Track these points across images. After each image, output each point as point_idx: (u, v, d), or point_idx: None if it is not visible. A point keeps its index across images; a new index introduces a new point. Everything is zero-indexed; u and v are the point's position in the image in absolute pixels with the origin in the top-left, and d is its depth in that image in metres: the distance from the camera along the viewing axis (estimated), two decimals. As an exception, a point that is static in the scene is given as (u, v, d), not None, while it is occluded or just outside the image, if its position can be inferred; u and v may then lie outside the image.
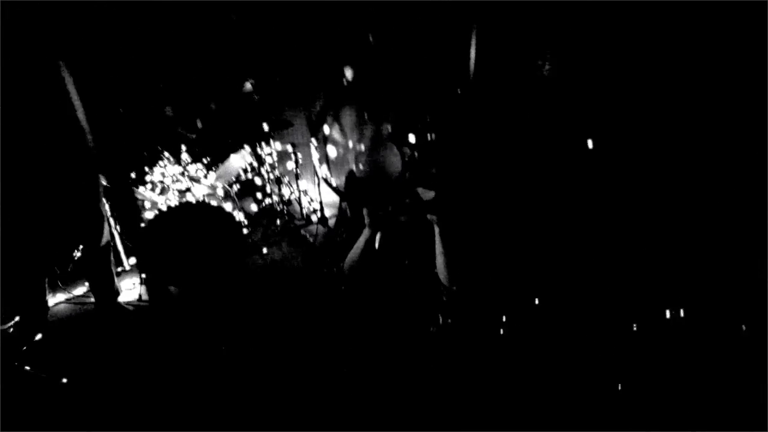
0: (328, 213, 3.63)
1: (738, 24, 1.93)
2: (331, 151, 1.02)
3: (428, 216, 0.99)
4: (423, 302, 1.14)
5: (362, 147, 0.96)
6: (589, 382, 1.99)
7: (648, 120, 2.25)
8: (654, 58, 2.17)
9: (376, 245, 1.07)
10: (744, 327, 1.99)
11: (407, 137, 0.97)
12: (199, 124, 2.97)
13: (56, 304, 2.88)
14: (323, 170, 1.09)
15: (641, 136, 2.27)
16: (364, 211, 1.06)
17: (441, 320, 1.07)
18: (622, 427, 1.80)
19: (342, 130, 0.92)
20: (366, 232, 1.11)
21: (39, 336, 2.52)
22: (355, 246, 1.14)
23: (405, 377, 1.23)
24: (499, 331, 1.87)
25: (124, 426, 2.06)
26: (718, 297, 2.12)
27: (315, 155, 0.87)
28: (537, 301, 2.23)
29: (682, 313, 2.14)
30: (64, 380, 2.31)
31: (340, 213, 1.31)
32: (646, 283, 2.24)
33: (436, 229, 0.99)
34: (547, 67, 2.51)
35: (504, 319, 1.90)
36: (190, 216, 2.85)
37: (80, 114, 2.16)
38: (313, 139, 1.03)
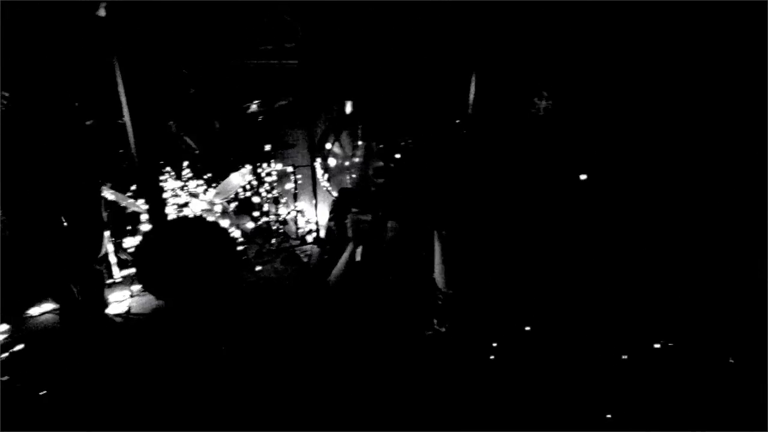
0: (324, 234, 3.67)
1: (738, 24, 2.00)
2: (332, 163, 1.07)
3: (432, 228, 1.03)
4: (414, 308, 1.17)
5: (356, 161, 1.02)
6: (584, 385, 1.98)
7: (639, 143, 2.35)
8: (648, 64, 2.26)
9: (357, 258, 1.11)
10: (731, 359, 2.02)
11: (395, 154, 1.03)
12: (203, 141, 3.02)
13: (42, 314, 2.82)
14: (324, 182, 1.15)
15: (634, 160, 2.37)
16: (348, 226, 1.09)
17: (436, 323, 1.10)
18: (622, 426, 1.80)
19: (341, 147, 0.97)
20: (350, 247, 1.15)
21: (20, 346, 2.46)
22: (340, 260, 1.19)
23: (398, 381, 1.24)
24: (492, 336, 1.88)
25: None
26: (716, 305, 2.15)
27: (319, 172, 0.91)
28: (531, 308, 2.25)
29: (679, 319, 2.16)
30: (43, 392, 2.24)
31: (328, 231, 1.35)
32: (643, 291, 2.28)
33: (437, 239, 1.03)
34: (543, 104, 2.65)
35: (498, 323, 1.92)
36: (186, 230, 2.86)
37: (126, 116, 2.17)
38: (318, 161, 1.08)
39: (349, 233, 1.11)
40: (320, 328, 1.39)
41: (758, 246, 2.14)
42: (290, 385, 2.07)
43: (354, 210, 1.09)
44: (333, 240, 1.33)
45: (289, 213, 3.66)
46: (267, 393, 2.10)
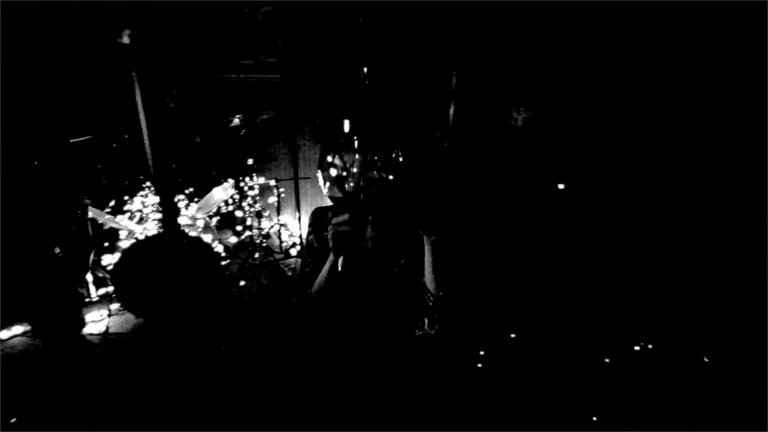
0: (304, 247, 3.65)
1: (738, 24, 2.02)
2: (333, 173, 1.07)
3: (422, 233, 1.05)
4: (404, 311, 1.18)
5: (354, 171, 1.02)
6: (569, 387, 2.01)
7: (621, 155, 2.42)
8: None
9: (339, 268, 1.10)
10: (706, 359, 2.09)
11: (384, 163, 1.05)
12: (184, 155, 2.99)
13: (11, 337, 2.69)
14: (326, 191, 1.14)
15: (610, 168, 2.45)
16: (329, 236, 1.09)
17: (427, 324, 1.10)
18: (622, 426, 1.81)
19: (341, 160, 0.98)
20: (331, 258, 1.14)
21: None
22: (321, 272, 1.18)
23: (389, 381, 1.25)
24: (481, 335, 1.91)
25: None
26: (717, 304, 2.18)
27: (321, 183, 0.92)
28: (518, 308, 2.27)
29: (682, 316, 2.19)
30: (14, 420, 2.13)
31: (308, 245, 1.35)
32: (625, 295, 2.32)
33: (427, 244, 1.05)
34: (521, 116, 2.75)
35: (486, 323, 1.94)
36: (167, 246, 2.80)
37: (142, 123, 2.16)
38: (319, 173, 1.09)
39: (330, 245, 1.09)
40: (306, 337, 1.39)
41: (734, 247, 2.23)
42: (279, 394, 2.06)
43: (334, 221, 1.08)
44: (313, 253, 1.32)
45: (272, 227, 3.63)
46: (255, 405, 2.07)
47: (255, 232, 3.45)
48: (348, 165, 1.03)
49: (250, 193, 3.34)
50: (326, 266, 1.14)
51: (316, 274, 1.19)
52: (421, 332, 1.13)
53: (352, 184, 1.03)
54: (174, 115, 3.04)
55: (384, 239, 1.17)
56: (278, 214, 3.57)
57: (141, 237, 2.78)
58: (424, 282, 1.09)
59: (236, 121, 3.10)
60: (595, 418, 1.97)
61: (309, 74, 3.57)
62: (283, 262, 3.51)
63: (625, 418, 1.96)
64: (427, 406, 1.22)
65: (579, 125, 2.47)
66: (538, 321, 2.34)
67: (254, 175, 3.38)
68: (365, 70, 2.62)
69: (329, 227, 1.08)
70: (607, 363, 2.21)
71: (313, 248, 1.27)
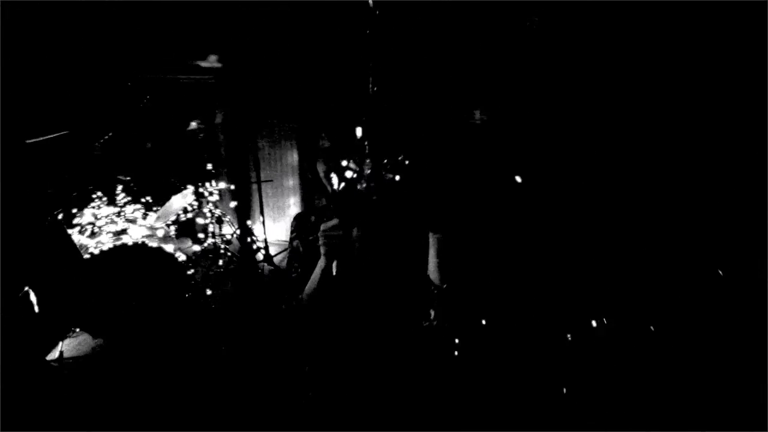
0: (273, 250, 3.61)
1: (738, 24, 2.01)
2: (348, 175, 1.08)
3: (428, 230, 1.10)
4: (409, 304, 1.21)
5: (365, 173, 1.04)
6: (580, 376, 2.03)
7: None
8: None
9: (334, 272, 1.10)
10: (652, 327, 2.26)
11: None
12: (137, 163, 2.83)
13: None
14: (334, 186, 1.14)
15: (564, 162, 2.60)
16: (320, 240, 1.09)
17: (433, 315, 1.16)
18: (622, 426, 1.81)
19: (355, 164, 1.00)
20: (321, 262, 1.13)
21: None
22: (312, 277, 1.17)
23: (392, 380, 1.28)
24: (485, 327, 1.96)
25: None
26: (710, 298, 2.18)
27: (335, 183, 0.92)
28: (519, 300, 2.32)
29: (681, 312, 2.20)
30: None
31: (293, 250, 1.37)
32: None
33: (432, 240, 1.11)
34: (479, 115, 2.92)
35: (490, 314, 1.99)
36: (125, 258, 2.64)
37: None
38: (332, 175, 1.09)
39: (323, 251, 1.10)
40: (301, 339, 1.40)
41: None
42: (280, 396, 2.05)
43: (324, 228, 1.08)
44: (299, 258, 1.33)
45: (234, 232, 3.54)
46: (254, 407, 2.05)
47: (218, 239, 3.35)
48: (357, 167, 1.06)
49: (211, 198, 3.23)
50: (317, 271, 1.14)
51: (305, 278, 1.19)
52: (428, 323, 1.20)
53: (362, 185, 1.06)
54: (126, 120, 2.87)
55: (379, 240, 1.20)
56: (240, 218, 3.49)
57: (95, 251, 2.60)
58: (428, 276, 1.15)
59: (193, 124, 2.98)
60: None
61: (262, 75, 3.52)
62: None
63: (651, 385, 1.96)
64: (431, 404, 1.28)
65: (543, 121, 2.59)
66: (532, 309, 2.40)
67: (214, 180, 3.27)
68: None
69: (320, 234, 1.08)
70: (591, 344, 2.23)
71: (298, 253, 1.27)
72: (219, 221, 3.42)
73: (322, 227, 1.09)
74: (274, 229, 3.80)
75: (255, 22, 3.19)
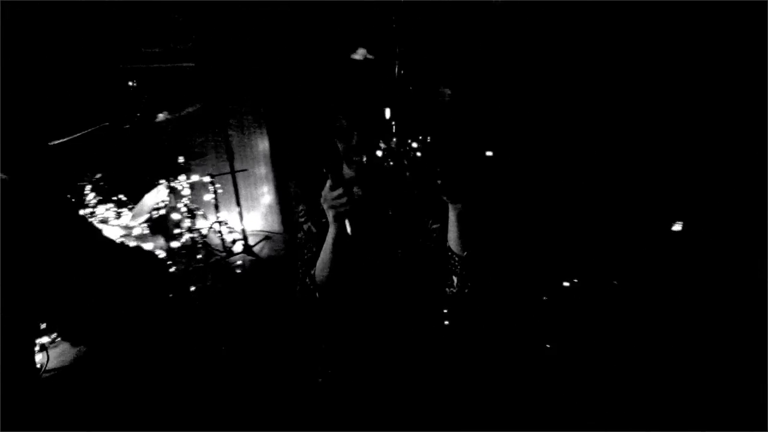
0: (251, 241, 3.57)
1: (738, 24, 1.98)
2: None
3: (448, 201, 1.12)
4: (432, 273, 1.23)
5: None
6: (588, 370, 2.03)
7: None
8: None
9: (349, 231, 1.08)
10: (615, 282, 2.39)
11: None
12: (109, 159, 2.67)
13: None
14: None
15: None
16: (325, 206, 1.08)
17: (456, 282, 1.19)
18: (621, 426, 1.79)
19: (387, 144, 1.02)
20: (332, 229, 1.11)
21: None
22: (324, 247, 1.15)
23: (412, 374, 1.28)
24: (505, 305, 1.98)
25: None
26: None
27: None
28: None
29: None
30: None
31: (306, 233, 1.39)
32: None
33: (452, 210, 1.14)
34: (447, 92, 3.00)
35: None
36: (104, 260, 2.52)
37: None
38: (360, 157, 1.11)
39: (330, 214, 1.08)
40: (317, 324, 1.41)
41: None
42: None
43: (327, 193, 1.06)
44: (313, 238, 1.35)
45: (211, 226, 3.46)
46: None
47: (195, 233, 3.26)
48: (386, 145, 1.09)
49: (185, 192, 3.13)
50: (328, 240, 1.13)
51: (317, 256, 1.20)
52: (451, 291, 1.23)
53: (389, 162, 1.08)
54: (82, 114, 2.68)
55: (404, 214, 1.24)
56: (216, 211, 3.40)
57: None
58: (449, 245, 1.20)
59: (161, 116, 2.85)
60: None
61: (230, 62, 3.38)
62: (227, 260, 3.40)
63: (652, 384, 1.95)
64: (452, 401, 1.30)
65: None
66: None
67: (186, 173, 3.16)
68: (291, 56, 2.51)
69: (323, 200, 1.08)
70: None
71: (312, 234, 1.26)
72: (192, 215, 3.32)
73: (323, 194, 1.08)
74: (249, 219, 3.75)
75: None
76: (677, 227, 2.34)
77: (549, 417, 1.84)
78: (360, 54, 2.16)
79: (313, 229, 1.26)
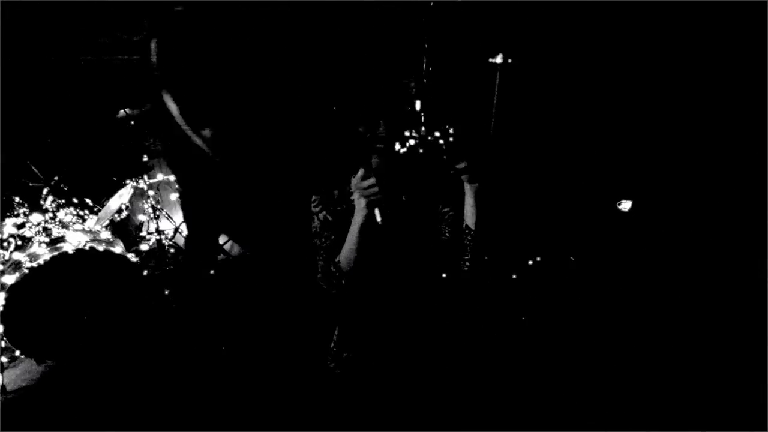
0: (221, 239, 3.46)
1: (738, 24, 1.96)
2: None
3: (465, 181, 1.18)
4: (449, 251, 1.28)
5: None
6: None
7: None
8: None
9: (378, 219, 1.11)
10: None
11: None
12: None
13: None
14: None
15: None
16: (356, 195, 1.09)
17: (470, 256, 1.25)
18: (621, 426, 1.79)
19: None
20: (358, 218, 1.12)
21: None
22: (348, 237, 1.17)
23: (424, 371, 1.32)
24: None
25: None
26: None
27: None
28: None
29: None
30: None
31: (324, 221, 1.43)
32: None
33: (469, 190, 1.20)
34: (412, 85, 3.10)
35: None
36: (70, 268, 2.35)
37: None
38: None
39: (362, 202, 1.10)
40: (343, 312, 1.37)
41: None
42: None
43: (356, 178, 1.09)
44: (331, 227, 1.26)
45: (179, 226, 3.30)
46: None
47: (163, 236, 3.10)
48: (417, 135, 1.15)
49: (150, 192, 2.96)
50: (353, 229, 1.16)
51: (339, 244, 1.23)
52: (467, 267, 1.31)
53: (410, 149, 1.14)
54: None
55: (425, 194, 1.29)
56: (182, 209, 3.26)
57: (31, 265, 2.27)
58: (466, 224, 1.27)
59: (122, 112, 2.67)
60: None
61: (189, 54, 3.22)
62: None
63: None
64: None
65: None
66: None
67: (150, 172, 2.99)
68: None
69: (354, 188, 1.11)
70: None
71: (329, 223, 1.29)
72: (156, 217, 3.15)
73: (353, 181, 1.10)
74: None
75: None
76: (626, 206, 2.56)
77: (549, 417, 1.86)
78: (499, 58, 2.11)
79: (330, 218, 1.29)
